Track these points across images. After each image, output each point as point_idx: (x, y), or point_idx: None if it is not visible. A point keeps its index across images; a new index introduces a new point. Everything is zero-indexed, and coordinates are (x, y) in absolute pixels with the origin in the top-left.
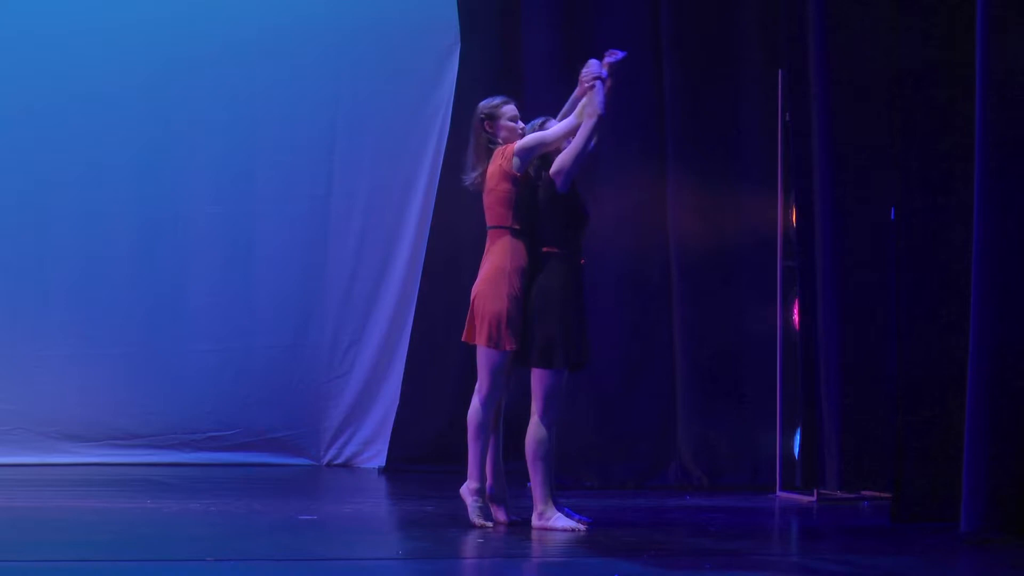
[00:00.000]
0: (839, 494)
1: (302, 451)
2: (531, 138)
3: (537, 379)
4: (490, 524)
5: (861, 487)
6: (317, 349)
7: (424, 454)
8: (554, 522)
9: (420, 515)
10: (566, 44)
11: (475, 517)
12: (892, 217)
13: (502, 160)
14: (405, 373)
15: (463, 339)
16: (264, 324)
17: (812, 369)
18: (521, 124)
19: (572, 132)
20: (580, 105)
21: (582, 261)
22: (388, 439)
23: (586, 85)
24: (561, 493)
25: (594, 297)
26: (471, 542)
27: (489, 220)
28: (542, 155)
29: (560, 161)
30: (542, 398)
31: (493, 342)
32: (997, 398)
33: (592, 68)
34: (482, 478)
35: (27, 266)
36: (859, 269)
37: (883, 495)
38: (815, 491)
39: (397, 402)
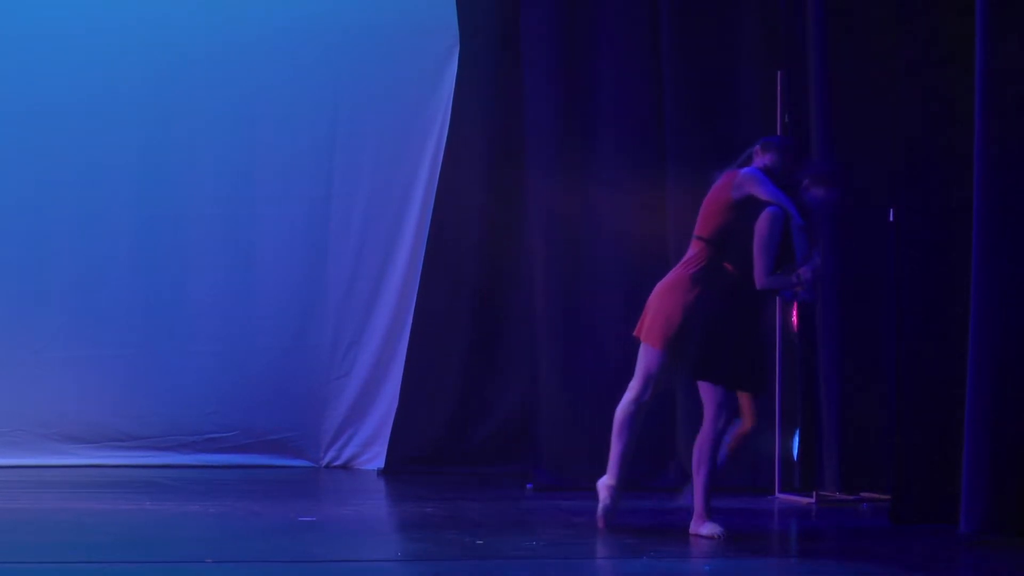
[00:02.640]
0: (838, 495)
1: (301, 453)
2: (760, 194)
3: (705, 391)
4: (602, 526)
5: (860, 488)
6: (317, 351)
7: (423, 456)
8: (702, 529)
9: (419, 517)
10: (566, 45)
11: (601, 514)
12: (892, 217)
13: (731, 179)
14: (404, 375)
15: (634, 333)
16: (264, 325)
17: (811, 370)
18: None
19: (766, 269)
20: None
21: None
22: (387, 441)
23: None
24: (560, 494)
25: (594, 297)
26: (470, 544)
27: (696, 228)
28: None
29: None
30: (710, 408)
31: (656, 341)
32: (997, 399)
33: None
34: (620, 477)
35: (27, 267)
36: (858, 269)
37: (882, 496)
38: (814, 492)
39: (396, 404)
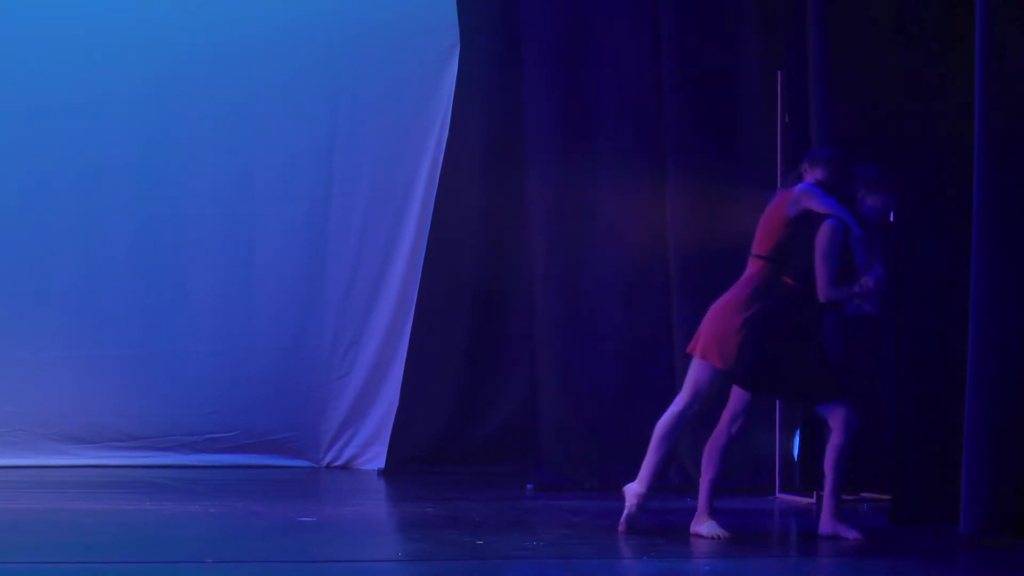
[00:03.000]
0: None
1: (301, 453)
2: (817, 208)
3: (732, 394)
4: (623, 530)
5: (860, 488)
6: (317, 351)
7: (424, 456)
8: (703, 528)
9: (420, 517)
10: (566, 46)
11: (624, 519)
12: (892, 217)
13: (786, 196)
14: (404, 374)
15: (688, 349)
16: (264, 326)
17: None
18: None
19: (829, 281)
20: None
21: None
22: (388, 441)
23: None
24: (560, 494)
25: (594, 297)
26: (470, 544)
27: (754, 246)
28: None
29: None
30: (728, 411)
31: (711, 357)
32: (996, 399)
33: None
34: (650, 486)
35: (27, 268)
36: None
37: (882, 496)
38: (814, 492)
39: (397, 404)
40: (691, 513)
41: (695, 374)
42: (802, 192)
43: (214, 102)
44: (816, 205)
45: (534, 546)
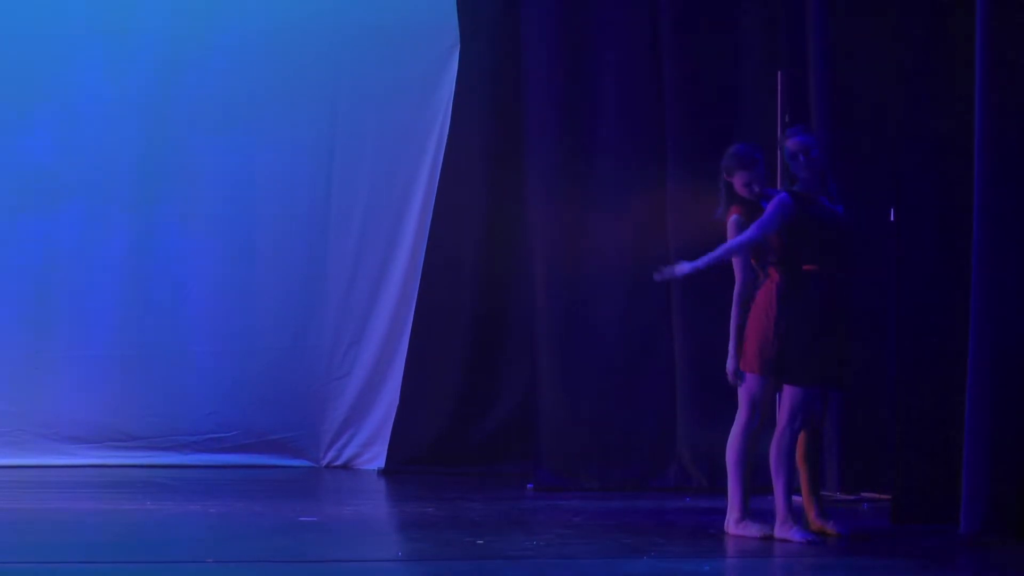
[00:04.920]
0: (839, 495)
1: (302, 453)
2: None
3: (784, 392)
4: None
5: (860, 488)
6: (317, 351)
7: (424, 456)
8: (792, 534)
9: (420, 517)
10: (566, 46)
11: (764, 534)
12: (892, 217)
13: (727, 225)
14: (405, 374)
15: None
16: (264, 326)
17: None
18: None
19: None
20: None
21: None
22: (388, 441)
23: None
24: (561, 494)
25: (594, 297)
26: (470, 544)
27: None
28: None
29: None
30: (785, 410)
31: (754, 367)
32: (997, 399)
33: None
34: (743, 508)
35: (27, 267)
36: (859, 270)
37: (883, 496)
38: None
39: (397, 403)
40: (690, 513)
41: (747, 387)
42: (729, 228)
43: (214, 102)
44: (734, 244)
45: (534, 546)
